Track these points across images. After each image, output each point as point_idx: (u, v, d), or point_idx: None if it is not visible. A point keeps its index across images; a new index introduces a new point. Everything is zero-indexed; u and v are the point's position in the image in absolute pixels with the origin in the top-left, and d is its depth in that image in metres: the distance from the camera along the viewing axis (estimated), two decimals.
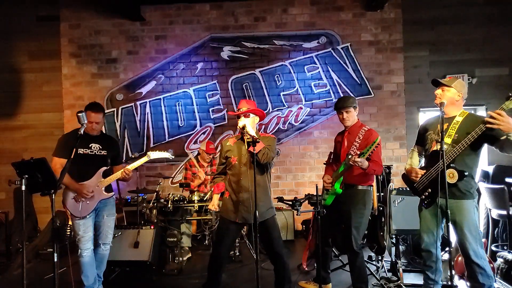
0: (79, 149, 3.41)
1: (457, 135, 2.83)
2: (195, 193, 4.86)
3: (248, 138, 3.09)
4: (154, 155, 3.60)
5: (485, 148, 2.89)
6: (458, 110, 2.93)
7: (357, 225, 3.33)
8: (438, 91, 2.96)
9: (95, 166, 3.47)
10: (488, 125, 2.60)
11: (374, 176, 3.50)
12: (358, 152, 3.05)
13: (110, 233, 3.62)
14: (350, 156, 3.18)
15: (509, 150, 2.70)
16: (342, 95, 6.06)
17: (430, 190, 2.93)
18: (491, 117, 2.55)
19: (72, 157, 2.84)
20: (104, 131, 6.03)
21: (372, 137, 3.28)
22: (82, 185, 3.36)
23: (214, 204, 3.49)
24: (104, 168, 3.50)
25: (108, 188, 3.55)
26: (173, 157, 3.81)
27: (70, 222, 3.49)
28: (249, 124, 3.17)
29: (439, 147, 2.80)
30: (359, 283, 3.39)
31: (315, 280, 3.73)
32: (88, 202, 3.39)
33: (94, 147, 3.49)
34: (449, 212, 2.66)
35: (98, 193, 3.45)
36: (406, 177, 3.15)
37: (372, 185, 3.49)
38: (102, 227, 3.55)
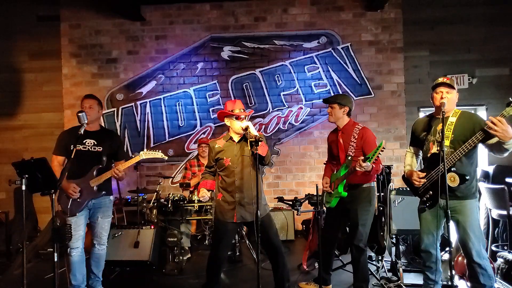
0: (72, 145, 3.35)
1: (453, 135, 2.84)
2: (195, 192, 4.86)
3: (251, 138, 3.10)
4: (146, 155, 3.52)
5: (484, 148, 2.90)
6: (452, 111, 2.94)
7: (364, 222, 3.36)
8: (444, 89, 2.91)
9: (89, 162, 3.38)
10: (488, 129, 2.59)
11: None
12: (362, 157, 3.04)
13: (104, 235, 3.55)
14: (350, 158, 3.20)
15: (497, 153, 2.73)
16: None
17: (431, 192, 2.93)
18: (492, 122, 2.54)
19: (72, 156, 2.84)
20: (105, 127, 6.04)
21: (366, 135, 3.31)
22: (68, 183, 3.27)
23: (206, 193, 3.24)
24: (98, 166, 3.40)
25: (103, 188, 3.45)
26: (166, 157, 3.72)
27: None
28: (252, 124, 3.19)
29: (438, 148, 2.81)
30: (360, 282, 3.40)
31: (316, 280, 3.73)
32: (79, 200, 3.32)
33: (88, 143, 3.42)
34: (450, 212, 2.66)
35: (89, 192, 3.36)
36: (407, 179, 3.16)
37: (375, 181, 3.53)
38: (96, 228, 3.50)
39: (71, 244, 3.33)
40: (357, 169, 3.03)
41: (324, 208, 3.56)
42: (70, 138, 3.42)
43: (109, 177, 3.47)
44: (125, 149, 6.15)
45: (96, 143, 3.45)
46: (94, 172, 3.40)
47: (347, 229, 4.47)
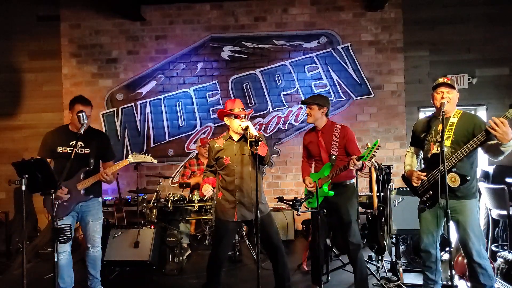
0: (58, 148, 3.29)
1: (454, 136, 2.84)
2: (195, 192, 4.86)
3: (251, 138, 3.10)
4: (135, 158, 3.43)
5: (480, 149, 2.90)
6: (453, 111, 2.94)
7: (355, 218, 3.44)
8: (444, 89, 2.90)
9: (76, 165, 3.25)
10: (489, 129, 2.59)
11: None
12: (356, 156, 3.06)
13: (97, 237, 3.49)
14: (334, 157, 3.30)
15: (492, 155, 2.73)
16: (342, 95, 6.11)
17: (431, 192, 2.93)
18: (495, 123, 2.54)
19: (72, 156, 2.84)
20: (104, 129, 6.03)
21: (348, 134, 3.39)
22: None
23: (209, 187, 3.26)
24: (85, 169, 3.31)
25: (91, 191, 3.36)
26: (155, 161, 3.58)
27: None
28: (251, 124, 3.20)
29: (438, 148, 2.81)
30: (361, 279, 3.41)
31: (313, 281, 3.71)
32: (65, 203, 3.23)
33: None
34: (450, 212, 2.66)
35: (76, 195, 3.27)
36: (407, 179, 3.16)
37: (356, 176, 3.68)
38: (88, 231, 3.43)
39: (58, 248, 3.17)
40: (351, 167, 3.09)
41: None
42: (55, 139, 3.37)
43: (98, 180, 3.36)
44: (125, 149, 6.17)
45: (83, 145, 3.34)
46: (82, 175, 3.31)
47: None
